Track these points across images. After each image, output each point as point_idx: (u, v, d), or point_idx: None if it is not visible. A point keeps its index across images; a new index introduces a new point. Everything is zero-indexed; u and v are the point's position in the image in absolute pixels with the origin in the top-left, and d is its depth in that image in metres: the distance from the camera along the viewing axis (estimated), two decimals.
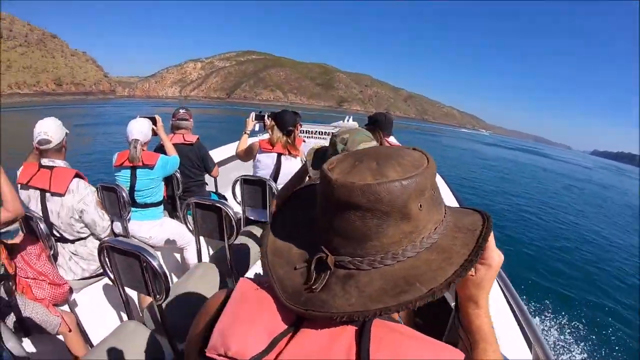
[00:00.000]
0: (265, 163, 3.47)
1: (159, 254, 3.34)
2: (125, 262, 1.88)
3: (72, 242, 2.65)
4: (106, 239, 1.91)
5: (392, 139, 3.52)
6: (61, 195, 2.49)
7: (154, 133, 3.41)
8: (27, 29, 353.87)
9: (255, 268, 2.35)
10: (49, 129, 2.48)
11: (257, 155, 3.51)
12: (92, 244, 2.71)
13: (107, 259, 1.95)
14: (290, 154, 3.43)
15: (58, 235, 2.61)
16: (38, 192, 2.50)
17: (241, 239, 2.92)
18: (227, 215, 2.48)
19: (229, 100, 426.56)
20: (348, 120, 9.29)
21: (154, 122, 3.42)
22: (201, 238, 2.82)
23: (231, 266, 2.63)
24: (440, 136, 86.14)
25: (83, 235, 2.68)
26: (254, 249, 3.02)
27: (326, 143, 7.47)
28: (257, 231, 3.23)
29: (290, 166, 3.43)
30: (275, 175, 3.42)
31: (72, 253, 2.65)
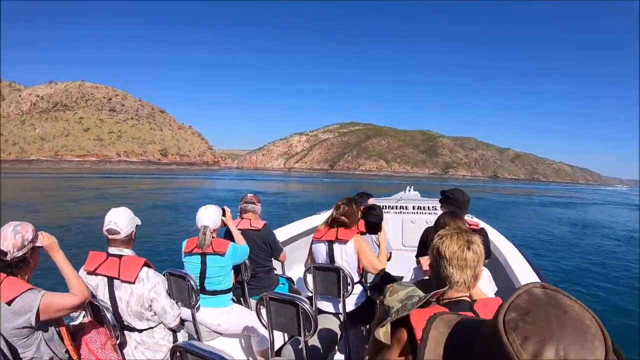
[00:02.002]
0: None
1: (226, 340, 3.36)
2: None
3: (140, 331, 2.62)
4: (180, 342, 1.90)
5: (467, 217, 3.39)
6: (131, 283, 2.48)
7: (223, 224, 3.43)
8: (138, 104, 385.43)
9: None
10: (119, 220, 2.52)
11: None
12: (159, 334, 2.68)
13: None
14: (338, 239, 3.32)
15: (126, 324, 2.58)
16: (106, 279, 2.50)
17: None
18: (304, 311, 2.43)
19: (332, 171, 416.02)
20: (409, 191, 9.31)
21: (223, 213, 3.44)
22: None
23: None
24: (575, 204, 54.90)
25: (152, 325, 2.65)
26: (327, 345, 3.00)
27: (388, 217, 6.63)
28: (332, 325, 3.20)
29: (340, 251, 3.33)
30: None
31: (138, 342, 2.62)
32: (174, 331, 2.77)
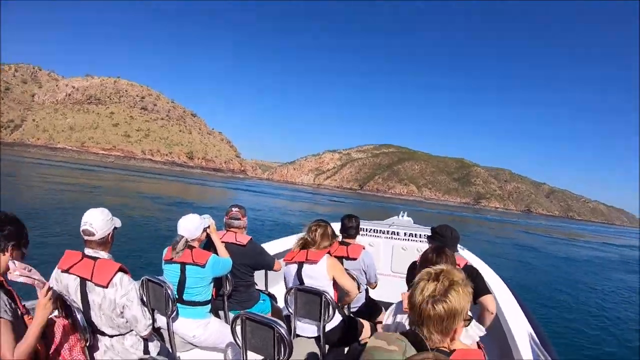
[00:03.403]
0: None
1: (200, 353, 3.32)
2: None
3: (110, 336, 2.56)
4: (146, 357, 1.81)
5: (458, 254, 3.42)
6: (104, 287, 2.42)
7: (207, 235, 3.41)
8: (170, 106, 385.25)
9: None
10: (95, 221, 2.47)
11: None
12: (130, 341, 2.62)
13: None
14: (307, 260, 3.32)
15: (97, 327, 2.52)
16: (78, 280, 2.45)
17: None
18: (280, 335, 2.39)
19: (361, 191, 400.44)
20: (402, 216, 9.31)
21: (208, 226, 3.40)
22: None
23: None
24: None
25: (122, 331, 2.59)
26: None
27: (379, 241, 6.81)
28: (310, 348, 3.21)
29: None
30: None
31: (107, 347, 2.56)
32: (146, 340, 2.71)
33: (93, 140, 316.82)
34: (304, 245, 3.35)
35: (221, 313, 3.67)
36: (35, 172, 51.01)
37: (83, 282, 2.44)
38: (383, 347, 1.34)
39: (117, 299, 2.46)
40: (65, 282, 2.47)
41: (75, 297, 2.45)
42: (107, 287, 2.42)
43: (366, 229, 6.76)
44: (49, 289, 2.16)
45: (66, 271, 2.46)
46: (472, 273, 3.12)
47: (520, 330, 3.26)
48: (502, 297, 4.05)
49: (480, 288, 2.94)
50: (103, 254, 2.51)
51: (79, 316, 2.37)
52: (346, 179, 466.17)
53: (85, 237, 2.48)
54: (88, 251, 2.50)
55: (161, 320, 3.13)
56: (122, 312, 2.51)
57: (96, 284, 2.41)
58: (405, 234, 6.59)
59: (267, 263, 3.83)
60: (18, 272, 2.13)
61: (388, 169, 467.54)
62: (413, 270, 3.03)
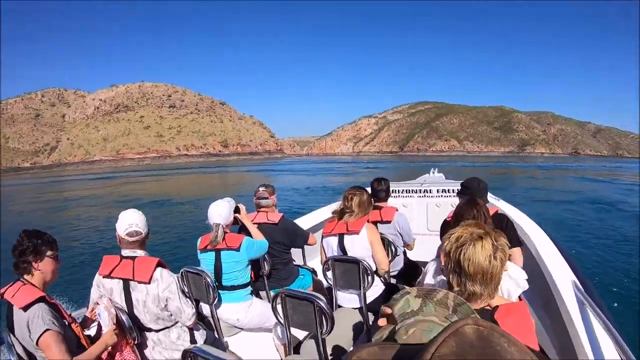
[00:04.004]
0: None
1: (247, 335, 3.38)
2: None
3: (157, 331, 2.63)
4: (191, 346, 1.89)
5: (490, 204, 3.40)
6: (146, 283, 2.49)
7: (237, 221, 3.45)
8: (197, 99, 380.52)
9: None
10: (139, 221, 2.57)
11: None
12: (175, 334, 2.69)
13: None
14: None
15: (142, 324, 2.59)
16: (121, 282, 2.52)
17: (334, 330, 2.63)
18: (320, 309, 2.39)
19: (402, 153, 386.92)
20: (434, 173, 9.64)
21: (238, 210, 3.44)
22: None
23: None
24: None
25: (168, 324, 2.66)
26: (348, 340, 2.97)
27: (412, 201, 6.89)
28: (353, 318, 3.15)
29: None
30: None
31: (155, 342, 2.63)
32: (192, 330, 2.78)
33: (127, 147, 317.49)
34: (342, 214, 3.29)
35: (263, 294, 3.67)
36: (67, 190, 49.06)
37: (126, 282, 2.50)
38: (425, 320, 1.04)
39: (160, 292, 2.51)
40: (108, 287, 2.54)
41: (119, 299, 2.52)
42: (149, 283, 2.48)
43: (398, 190, 6.81)
44: (116, 324, 2.37)
45: (108, 276, 2.52)
46: (502, 221, 3.11)
47: (563, 278, 3.19)
48: (541, 245, 3.96)
49: (509, 238, 2.64)
50: (140, 252, 2.58)
51: (123, 317, 2.45)
52: (385, 143, 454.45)
53: (132, 239, 2.54)
54: (125, 252, 2.56)
55: (205, 309, 3.20)
56: (166, 306, 2.57)
57: (139, 282, 2.48)
58: (437, 190, 6.65)
59: (301, 238, 3.80)
60: (103, 306, 2.37)
61: (427, 127, 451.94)
62: (446, 227, 2.97)
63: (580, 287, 2.95)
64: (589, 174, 53.65)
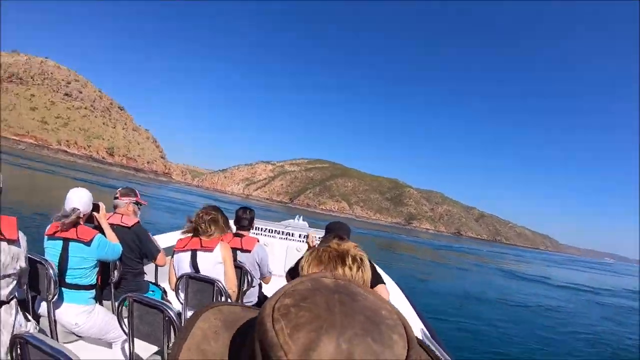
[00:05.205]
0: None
1: (82, 346, 3.09)
2: None
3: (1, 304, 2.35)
4: (22, 332, 1.71)
5: None
6: (14, 241, 2.34)
7: (93, 220, 3.23)
8: (96, 95, 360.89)
9: None
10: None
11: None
12: (8, 314, 2.38)
13: (19, 356, 1.66)
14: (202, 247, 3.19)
15: None
16: None
17: None
18: (169, 319, 2.18)
19: (291, 205, 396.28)
20: (298, 220, 9.63)
21: (97, 209, 3.21)
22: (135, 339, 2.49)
23: None
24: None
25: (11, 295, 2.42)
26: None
27: (274, 241, 6.88)
28: None
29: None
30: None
31: None
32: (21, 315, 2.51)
33: (5, 123, 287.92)
34: (195, 232, 3.15)
35: (107, 303, 3.40)
36: None
37: None
38: None
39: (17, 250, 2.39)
40: None
41: None
42: (17, 240, 2.38)
43: (261, 229, 6.84)
44: None
45: None
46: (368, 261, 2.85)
47: (412, 324, 2.98)
48: (392, 292, 3.86)
49: (374, 277, 2.88)
50: None
51: None
52: (277, 192, 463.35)
53: None
54: None
55: (42, 307, 2.93)
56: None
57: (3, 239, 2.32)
58: (300, 235, 6.75)
59: (151, 252, 3.60)
60: None
61: (320, 184, 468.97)
62: (293, 272, 2.86)
63: (427, 333, 3.14)
64: (476, 259, 56.42)
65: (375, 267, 3.07)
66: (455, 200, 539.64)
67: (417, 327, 3.28)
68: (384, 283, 2.96)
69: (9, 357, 1.71)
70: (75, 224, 2.92)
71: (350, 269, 1.25)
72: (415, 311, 3.68)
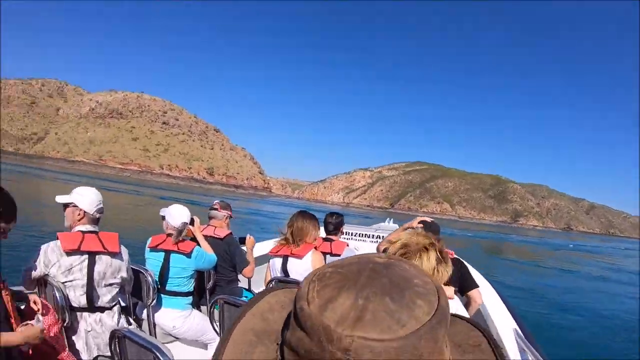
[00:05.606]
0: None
1: (178, 346, 3.31)
2: (137, 356, 1.75)
3: (102, 310, 2.59)
4: (120, 327, 1.88)
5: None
6: (115, 254, 2.60)
7: (190, 233, 3.45)
8: (192, 121, 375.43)
9: None
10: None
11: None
12: (115, 318, 2.65)
13: (117, 348, 1.85)
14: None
15: (93, 301, 2.56)
16: (86, 256, 2.52)
17: None
18: None
19: (392, 210, 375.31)
20: (389, 222, 9.88)
21: (192, 222, 3.44)
22: None
23: None
24: None
25: (115, 300, 2.66)
26: None
27: (364, 245, 6.89)
28: None
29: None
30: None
31: (91, 326, 2.56)
32: (129, 320, 2.83)
33: (111, 154, 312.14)
34: (287, 239, 3.33)
35: (204, 309, 3.63)
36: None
37: (92, 255, 2.56)
38: None
39: (120, 263, 2.67)
40: (67, 263, 2.51)
41: (80, 274, 2.52)
42: (118, 253, 2.66)
43: (351, 233, 6.94)
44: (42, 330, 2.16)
45: (75, 250, 2.51)
46: (458, 265, 3.10)
47: (505, 325, 3.23)
48: (485, 293, 3.96)
49: (468, 281, 3.01)
50: (97, 228, 2.67)
51: (57, 295, 2.42)
52: (376, 198, 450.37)
53: (99, 215, 2.66)
54: (87, 227, 2.60)
55: (141, 313, 3.16)
56: (119, 277, 2.68)
57: (109, 253, 2.62)
58: None
59: (242, 262, 3.78)
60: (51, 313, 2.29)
61: (420, 187, 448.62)
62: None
63: (521, 334, 2.98)
64: (608, 260, 46.96)
65: (469, 271, 3.12)
66: (561, 193, 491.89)
67: (510, 327, 3.24)
68: (478, 287, 3.01)
69: (109, 350, 1.93)
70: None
71: (429, 260, 1.37)
72: (511, 313, 3.64)
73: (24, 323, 2.12)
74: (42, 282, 2.54)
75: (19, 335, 2.03)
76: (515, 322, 3.39)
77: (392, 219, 9.96)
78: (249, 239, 3.85)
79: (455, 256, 3.33)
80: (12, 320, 2.11)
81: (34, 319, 2.19)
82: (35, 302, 2.27)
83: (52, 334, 2.31)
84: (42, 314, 2.26)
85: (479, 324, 0.59)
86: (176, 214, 3.21)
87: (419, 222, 2.75)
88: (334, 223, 4.15)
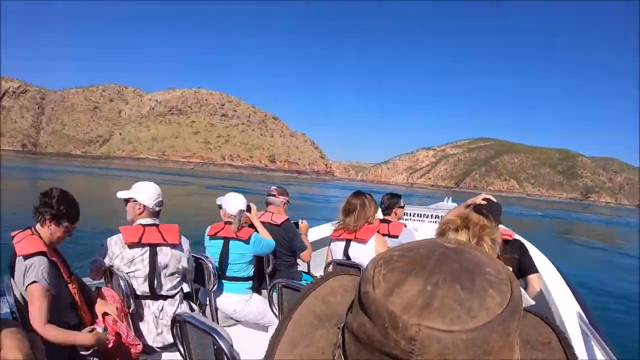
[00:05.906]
0: None
1: (239, 329, 3.37)
2: (197, 339, 1.82)
3: (165, 298, 2.72)
4: (181, 312, 1.97)
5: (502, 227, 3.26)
6: (176, 245, 2.71)
7: (248, 220, 3.48)
8: (250, 111, 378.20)
9: None
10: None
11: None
12: (176, 306, 2.77)
13: (179, 333, 1.93)
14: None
15: (156, 289, 2.68)
16: (147, 248, 2.64)
17: None
18: None
19: (457, 189, 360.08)
20: (447, 201, 9.81)
21: (249, 209, 3.48)
22: None
23: None
24: None
25: (177, 288, 2.78)
26: None
27: (423, 225, 6.73)
28: None
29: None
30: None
31: (156, 315, 2.69)
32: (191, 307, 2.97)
33: (173, 149, 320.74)
34: (345, 222, 3.28)
35: (264, 292, 3.67)
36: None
37: (153, 247, 2.67)
38: None
39: (182, 254, 2.79)
40: (129, 255, 2.64)
41: (141, 265, 2.65)
42: (179, 244, 2.76)
43: (410, 214, 6.93)
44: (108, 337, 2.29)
45: (137, 243, 2.63)
46: (518, 247, 3.07)
47: (568, 309, 3.19)
48: (548, 276, 3.94)
49: (528, 265, 2.96)
50: (157, 221, 2.80)
51: (122, 284, 2.56)
52: (441, 177, 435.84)
53: (158, 208, 2.78)
54: (147, 220, 2.73)
55: (203, 298, 3.30)
56: (181, 267, 2.80)
57: (170, 245, 2.72)
58: None
59: (300, 247, 3.78)
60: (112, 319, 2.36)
61: (485, 164, 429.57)
62: None
63: (585, 318, 2.94)
64: None
65: (529, 254, 3.04)
66: (635, 167, 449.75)
67: (573, 310, 3.19)
68: (538, 272, 2.95)
69: (172, 335, 2.06)
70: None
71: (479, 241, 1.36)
72: (575, 297, 3.55)
73: (90, 328, 2.23)
74: (108, 273, 2.70)
75: (91, 337, 2.17)
76: (580, 305, 3.31)
77: (450, 198, 9.81)
78: (302, 223, 3.88)
79: (516, 237, 3.27)
80: (81, 311, 2.26)
81: (94, 307, 2.36)
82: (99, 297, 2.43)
83: (118, 322, 2.42)
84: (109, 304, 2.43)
85: (550, 319, 0.55)
86: (232, 202, 3.27)
87: (482, 199, 2.77)
88: (386, 204, 4.13)
